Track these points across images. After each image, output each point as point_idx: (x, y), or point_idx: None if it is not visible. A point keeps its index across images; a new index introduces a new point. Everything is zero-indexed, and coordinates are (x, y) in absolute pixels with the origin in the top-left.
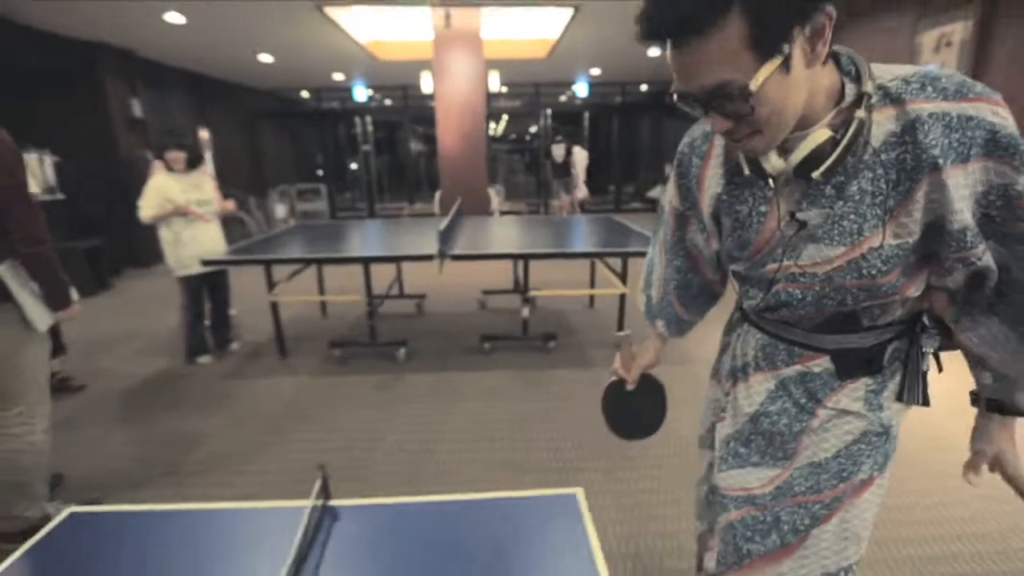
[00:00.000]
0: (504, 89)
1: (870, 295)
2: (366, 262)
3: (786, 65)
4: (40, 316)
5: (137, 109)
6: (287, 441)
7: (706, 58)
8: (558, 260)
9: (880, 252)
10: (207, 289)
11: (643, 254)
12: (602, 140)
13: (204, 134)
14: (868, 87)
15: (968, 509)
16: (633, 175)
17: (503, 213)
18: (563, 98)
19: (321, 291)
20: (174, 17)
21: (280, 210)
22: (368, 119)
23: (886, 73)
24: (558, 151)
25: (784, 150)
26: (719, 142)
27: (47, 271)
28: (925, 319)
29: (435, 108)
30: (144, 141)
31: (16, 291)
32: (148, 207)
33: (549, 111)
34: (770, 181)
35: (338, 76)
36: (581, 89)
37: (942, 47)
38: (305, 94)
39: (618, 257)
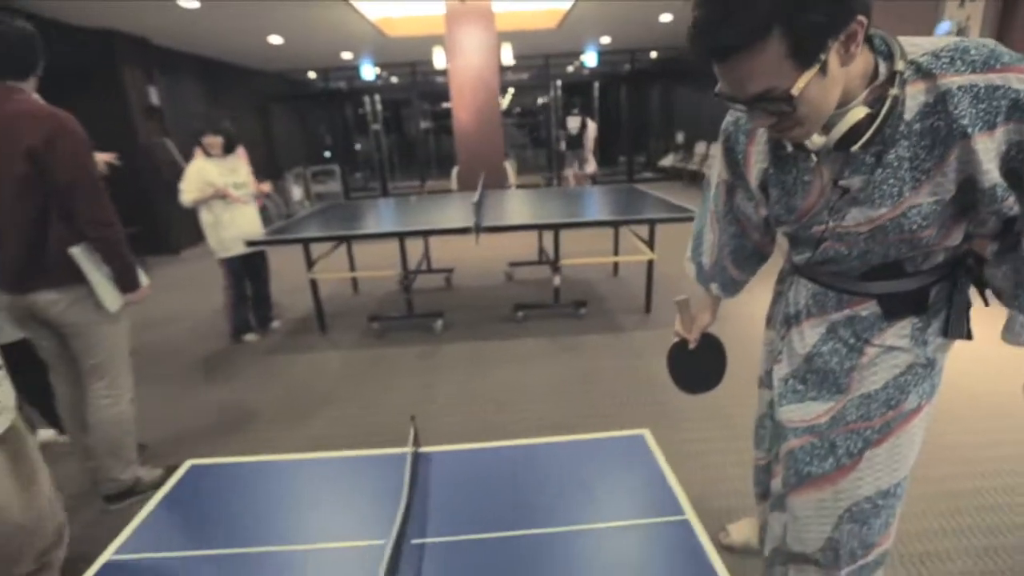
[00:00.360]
0: (512, 62)
1: (912, 247)
2: (402, 237)
3: (823, 69)
4: (111, 297)
5: (154, 97)
6: (340, 408)
7: (749, 72)
8: (578, 231)
9: (920, 210)
10: (248, 269)
11: (669, 220)
12: (611, 110)
13: None
14: (900, 66)
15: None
16: (644, 145)
17: (518, 187)
18: (571, 68)
19: (352, 268)
20: (188, 2)
21: (296, 192)
22: (377, 98)
23: (917, 48)
24: (573, 123)
25: (824, 126)
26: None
27: (115, 254)
28: (970, 260)
29: (449, 84)
30: (161, 129)
31: (89, 272)
32: (189, 191)
33: (559, 82)
34: (812, 156)
35: (346, 55)
36: (590, 59)
37: (967, 0)
38: (312, 75)
39: (645, 224)
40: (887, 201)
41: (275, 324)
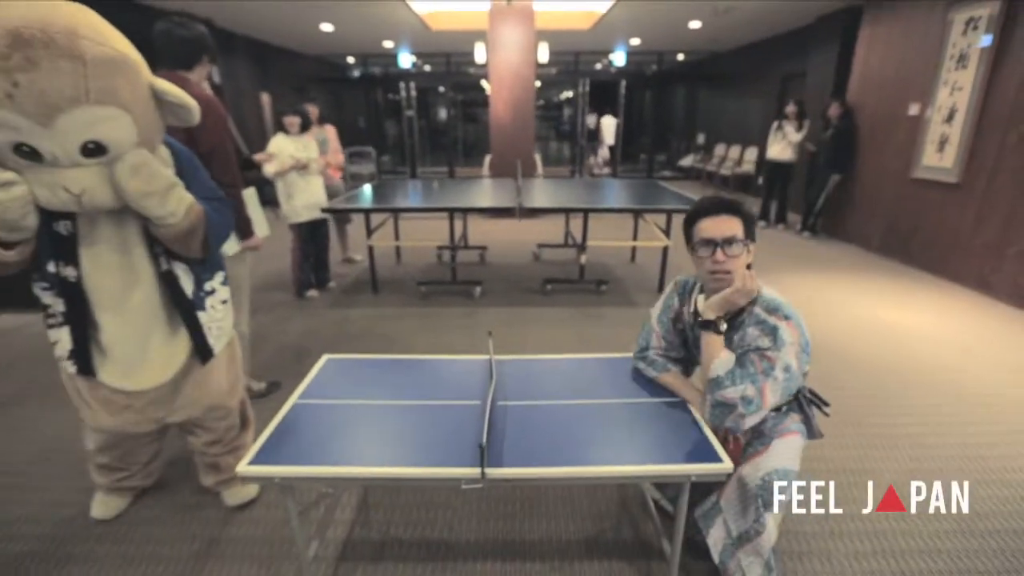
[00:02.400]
0: (547, 59)
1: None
2: (451, 212)
3: (748, 250)
4: (228, 243)
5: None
6: (401, 349)
7: (728, 223)
8: (600, 220)
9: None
10: (312, 234)
11: (685, 211)
12: (636, 109)
13: (266, 98)
14: (756, 295)
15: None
16: (665, 144)
17: (545, 176)
18: (598, 66)
19: (396, 238)
20: None
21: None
22: (412, 85)
23: (767, 291)
24: (591, 119)
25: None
26: (696, 295)
27: (236, 208)
28: None
29: (487, 77)
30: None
31: None
32: (272, 164)
33: (588, 80)
34: (700, 318)
35: (388, 44)
36: (619, 58)
37: (969, 31)
38: (351, 60)
39: (663, 214)
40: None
41: (331, 284)
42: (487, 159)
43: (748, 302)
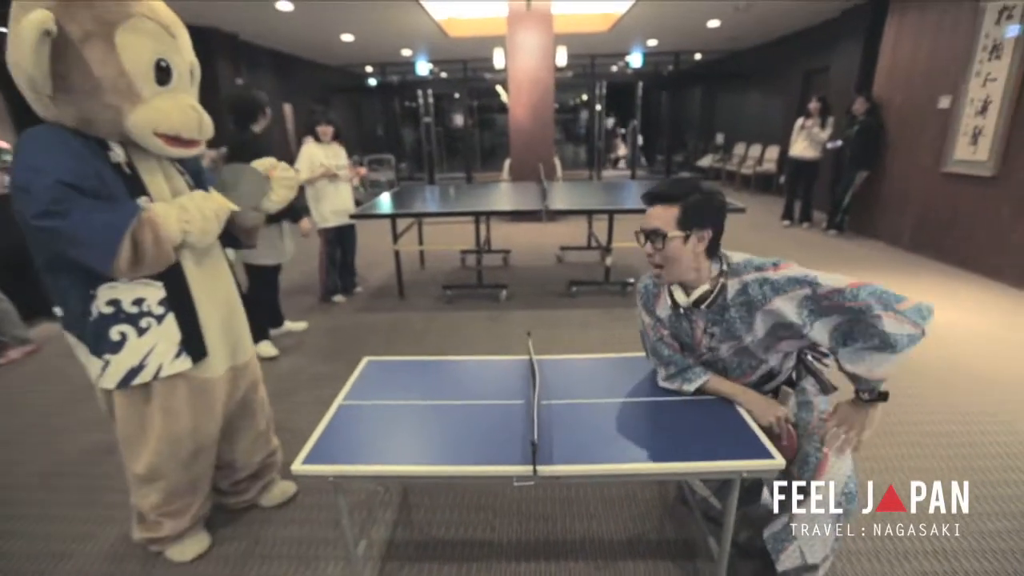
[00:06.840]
0: (565, 63)
1: (752, 359)
2: (477, 216)
3: (686, 240)
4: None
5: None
6: (432, 354)
7: (657, 214)
8: (622, 221)
9: (752, 341)
10: (340, 240)
11: None
12: (652, 109)
13: (288, 109)
14: (725, 268)
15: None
16: (683, 144)
17: (564, 179)
18: (614, 68)
19: (420, 242)
20: (284, 5)
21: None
22: (430, 92)
23: (736, 258)
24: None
25: (687, 295)
26: (664, 291)
27: None
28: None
29: (507, 83)
30: None
31: None
32: (304, 171)
33: (604, 82)
34: (681, 309)
35: (406, 52)
36: (635, 60)
37: (1003, 20)
38: (369, 69)
39: None
40: (732, 340)
41: (358, 289)
42: (507, 163)
43: (723, 271)
